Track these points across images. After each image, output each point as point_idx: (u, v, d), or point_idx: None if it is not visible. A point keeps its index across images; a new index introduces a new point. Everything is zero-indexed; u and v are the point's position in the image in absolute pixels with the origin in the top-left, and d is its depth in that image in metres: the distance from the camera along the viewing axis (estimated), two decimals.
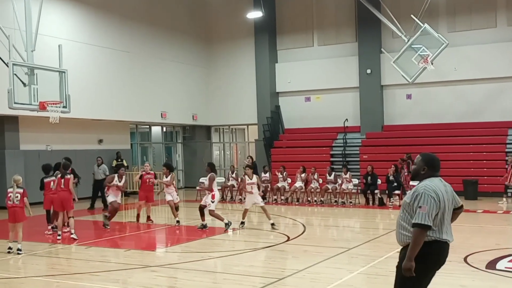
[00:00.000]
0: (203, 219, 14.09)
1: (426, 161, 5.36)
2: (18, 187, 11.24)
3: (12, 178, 11.45)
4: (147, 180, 15.29)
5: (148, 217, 15.38)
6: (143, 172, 15.47)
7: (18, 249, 11.14)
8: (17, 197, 11.13)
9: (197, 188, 22.38)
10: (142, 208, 15.40)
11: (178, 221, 14.91)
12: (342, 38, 26.24)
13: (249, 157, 21.77)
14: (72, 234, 12.74)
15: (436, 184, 5.21)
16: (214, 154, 30.44)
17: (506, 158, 20.04)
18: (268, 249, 11.43)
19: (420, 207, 5.06)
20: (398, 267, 5.25)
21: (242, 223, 14.22)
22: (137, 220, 15.35)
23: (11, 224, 11.32)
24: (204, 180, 15.15)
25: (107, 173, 19.82)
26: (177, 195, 15.49)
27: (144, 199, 15.29)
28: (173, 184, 15.26)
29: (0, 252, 11.38)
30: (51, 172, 13.83)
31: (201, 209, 14.04)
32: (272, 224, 13.92)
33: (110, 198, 14.69)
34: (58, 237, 12.65)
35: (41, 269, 10.25)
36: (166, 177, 15.34)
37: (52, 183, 13.27)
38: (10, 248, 11.26)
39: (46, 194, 13.55)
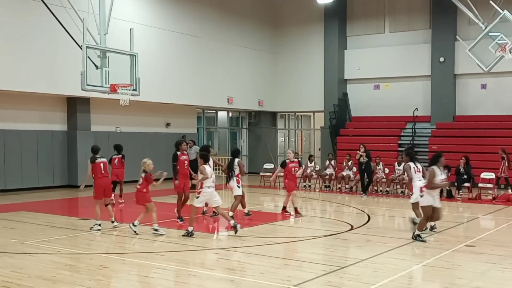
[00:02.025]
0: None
1: None
2: None
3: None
4: (292, 169, 13.94)
5: (296, 209, 14.04)
6: (287, 160, 14.12)
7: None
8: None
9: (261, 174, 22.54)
10: (289, 199, 14.09)
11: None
12: (414, 25, 25.52)
13: (361, 146, 19.00)
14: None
15: None
16: (279, 140, 30.44)
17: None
18: (331, 237, 11.29)
19: None
20: None
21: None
22: (296, 212, 14.05)
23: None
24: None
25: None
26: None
27: (293, 190, 14.07)
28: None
29: (69, 228, 11.80)
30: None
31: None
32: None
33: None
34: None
35: (108, 247, 10.56)
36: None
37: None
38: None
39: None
